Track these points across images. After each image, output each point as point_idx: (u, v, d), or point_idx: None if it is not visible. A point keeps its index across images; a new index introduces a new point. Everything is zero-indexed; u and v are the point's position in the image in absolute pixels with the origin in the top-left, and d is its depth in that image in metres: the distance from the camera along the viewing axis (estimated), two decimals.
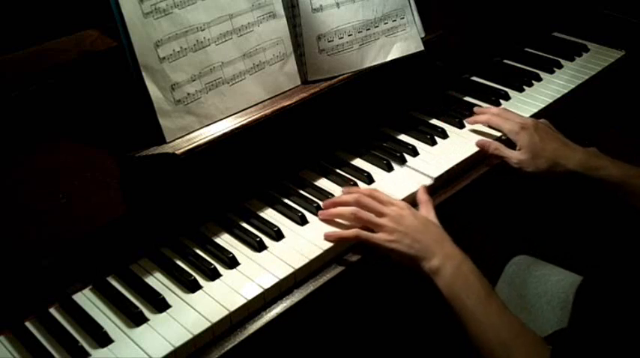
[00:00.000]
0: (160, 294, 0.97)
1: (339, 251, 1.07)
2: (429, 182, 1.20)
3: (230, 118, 1.10)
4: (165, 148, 1.02)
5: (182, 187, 1.07)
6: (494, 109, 1.37)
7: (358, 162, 1.26)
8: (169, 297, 0.97)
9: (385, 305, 1.34)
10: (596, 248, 1.39)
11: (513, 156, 1.24)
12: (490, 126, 1.32)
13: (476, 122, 1.34)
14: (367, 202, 1.09)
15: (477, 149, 1.28)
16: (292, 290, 1.02)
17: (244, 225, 1.11)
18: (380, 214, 1.07)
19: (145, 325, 0.94)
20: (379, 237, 1.06)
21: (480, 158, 1.28)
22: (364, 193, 1.11)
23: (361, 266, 1.08)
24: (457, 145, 1.29)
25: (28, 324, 0.94)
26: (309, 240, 1.07)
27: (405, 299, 1.35)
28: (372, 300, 1.29)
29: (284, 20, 1.16)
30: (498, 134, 1.31)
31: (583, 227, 1.40)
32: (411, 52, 1.30)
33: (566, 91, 1.48)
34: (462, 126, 1.36)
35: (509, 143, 1.28)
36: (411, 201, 1.18)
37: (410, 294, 1.28)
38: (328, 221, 1.11)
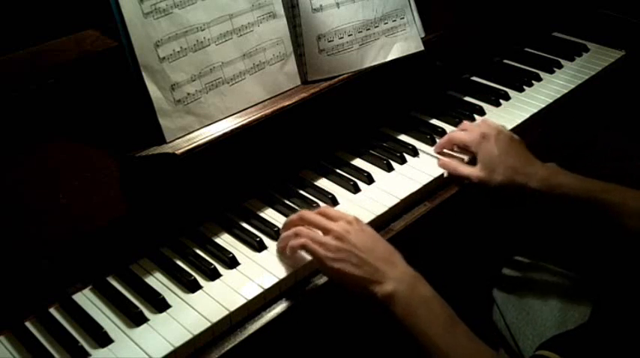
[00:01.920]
0: (159, 294, 0.97)
1: None
2: (428, 181, 1.20)
3: (230, 118, 1.10)
4: (165, 148, 1.02)
5: (182, 187, 1.07)
6: (458, 127, 1.29)
7: (358, 162, 1.26)
8: (169, 297, 0.97)
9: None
10: (596, 248, 1.39)
11: (472, 173, 1.18)
12: (454, 144, 1.25)
13: (442, 147, 1.26)
14: (311, 218, 1.01)
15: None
16: (293, 290, 1.02)
17: (244, 225, 1.11)
18: (325, 231, 0.98)
19: (145, 325, 0.94)
20: (323, 253, 0.95)
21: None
22: (312, 212, 1.03)
23: None
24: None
25: (28, 324, 0.94)
26: None
27: None
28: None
29: (284, 20, 1.16)
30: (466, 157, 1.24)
31: (582, 226, 1.40)
32: (411, 52, 1.30)
33: (566, 91, 1.48)
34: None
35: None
36: (412, 201, 1.18)
37: None
38: None
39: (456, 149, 1.26)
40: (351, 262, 0.94)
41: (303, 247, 0.98)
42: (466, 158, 1.23)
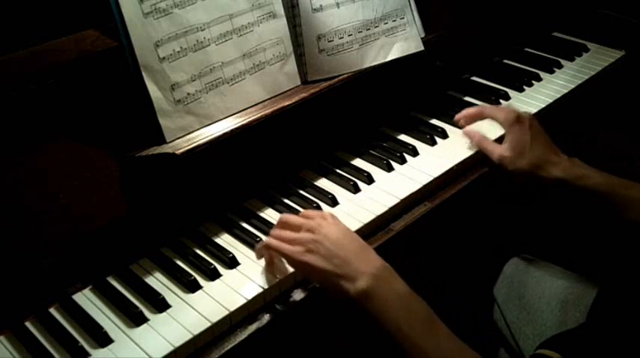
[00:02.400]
0: (159, 294, 0.97)
1: None
2: (428, 181, 1.20)
3: (230, 118, 1.10)
4: (165, 148, 1.02)
5: (182, 187, 1.07)
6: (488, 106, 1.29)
7: (358, 162, 1.26)
8: (169, 297, 0.97)
9: None
10: (597, 248, 1.39)
11: (496, 150, 1.15)
12: (482, 118, 1.23)
13: (467, 115, 1.24)
14: (287, 219, 0.99)
15: (476, 150, 1.28)
16: (293, 289, 1.02)
17: (244, 225, 1.11)
18: (299, 228, 0.95)
19: (145, 325, 0.94)
20: (289, 248, 0.92)
21: (481, 158, 1.28)
22: (291, 215, 1.01)
23: None
24: (457, 145, 1.29)
25: (28, 324, 0.94)
26: None
27: None
28: None
29: (284, 20, 1.16)
30: (496, 135, 1.24)
31: (582, 226, 1.40)
32: (411, 52, 1.30)
33: (566, 91, 1.48)
34: (462, 126, 1.35)
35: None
36: (412, 200, 1.18)
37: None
38: None
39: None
40: (320, 253, 0.90)
41: (267, 246, 0.97)
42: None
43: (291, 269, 0.99)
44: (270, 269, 1.00)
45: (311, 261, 0.90)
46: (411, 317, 0.85)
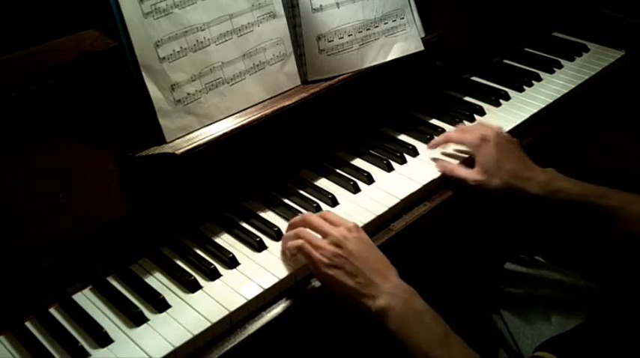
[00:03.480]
0: (159, 294, 0.97)
1: None
2: (428, 181, 1.20)
3: (230, 118, 1.10)
4: (165, 148, 1.02)
5: (182, 187, 1.07)
6: (455, 129, 1.29)
7: (358, 162, 1.26)
8: (169, 297, 0.97)
9: None
10: (596, 248, 1.39)
11: (469, 176, 1.17)
12: (452, 143, 1.25)
13: (436, 144, 1.26)
14: (313, 221, 1.01)
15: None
16: (292, 289, 1.02)
17: (244, 225, 1.11)
18: (324, 235, 0.98)
19: (145, 325, 0.94)
20: (318, 257, 0.95)
21: None
22: (315, 215, 1.03)
23: None
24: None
25: (28, 324, 0.94)
26: None
27: None
28: None
29: (284, 20, 1.16)
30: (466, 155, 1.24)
31: (582, 227, 1.40)
32: (411, 52, 1.30)
33: (566, 91, 1.48)
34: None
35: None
36: (412, 200, 1.18)
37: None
38: None
39: (452, 149, 1.26)
40: (345, 270, 0.93)
41: (300, 249, 0.98)
42: (457, 161, 1.23)
43: (303, 261, 1.00)
44: (289, 259, 1.02)
45: (335, 275, 0.93)
46: (426, 333, 0.88)
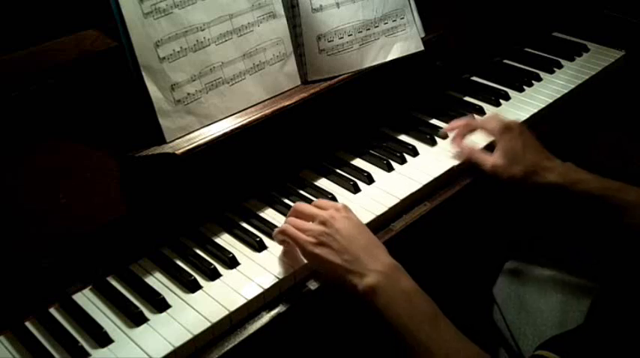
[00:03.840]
0: (159, 294, 0.97)
1: None
2: (428, 181, 1.20)
3: (230, 118, 1.10)
4: (165, 148, 1.02)
5: (182, 187, 1.07)
6: (468, 118, 1.30)
7: (358, 162, 1.26)
8: (169, 297, 0.97)
9: None
10: (596, 248, 1.39)
11: (488, 160, 1.17)
12: (471, 130, 1.26)
13: (455, 127, 1.27)
14: (303, 208, 1.01)
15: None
16: (292, 290, 1.02)
17: (244, 225, 1.11)
18: (312, 218, 0.98)
19: (145, 325, 0.94)
20: (303, 237, 0.94)
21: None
22: (305, 203, 1.04)
23: None
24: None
25: (28, 324, 0.94)
26: None
27: None
28: None
29: (284, 20, 1.16)
30: (485, 143, 1.25)
31: (581, 227, 1.40)
32: (411, 52, 1.30)
33: (566, 91, 1.48)
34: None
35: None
36: (412, 200, 1.18)
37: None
38: None
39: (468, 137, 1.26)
40: (332, 247, 0.92)
41: (284, 232, 0.98)
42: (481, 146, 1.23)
43: (304, 260, 1.00)
44: (289, 259, 1.02)
45: (322, 253, 0.93)
46: (415, 314, 0.87)
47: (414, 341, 0.85)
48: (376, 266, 0.91)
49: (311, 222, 0.97)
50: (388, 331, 0.87)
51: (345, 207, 1.00)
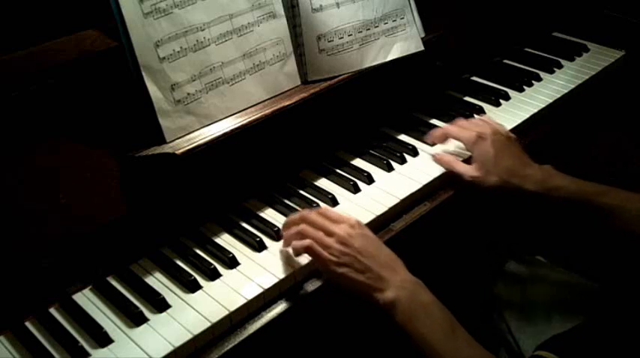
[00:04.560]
0: (159, 294, 0.97)
1: None
2: (428, 181, 1.20)
3: (230, 118, 1.10)
4: (165, 148, 1.02)
5: (182, 187, 1.07)
6: (454, 123, 1.27)
7: (358, 162, 1.26)
8: (169, 297, 0.97)
9: None
10: (597, 248, 1.39)
11: (465, 171, 1.17)
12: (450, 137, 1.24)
13: (434, 137, 1.26)
14: (313, 219, 1.00)
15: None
16: (292, 290, 1.02)
17: (244, 225, 1.11)
18: (328, 233, 0.98)
19: (145, 325, 0.94)
20: (327, 256, 0.96)
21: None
22: (313, 212, 1.03)
23: None
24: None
25: (28, 324, 0.94)
26: None
27: None
28: None
29: (284, 20, 1.16)
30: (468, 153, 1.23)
31: (582, 226, 1.40)
32: (411, 52, 1.30)
33: (566, 91, 1.48)
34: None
35: None
36: (412, 200, 1.18)
37: None
38: None
39: (454, 146, 1.26)
40: (355, 268, 0.95)
41: (308, 249, 0.98)
42: (460, 158, 1.23)
43: (307, 258, 1.00)
44: (289, 259, 1.02)
45: (345, 273, 0.95)
46: (432, 325, 0.90)
47: (432, 351, 0.89)
48: (396, 281, 0.94)
49: (329, 238, 0.97)
50: (407, 340, 0.91)
51: (359, 223, 1.01)
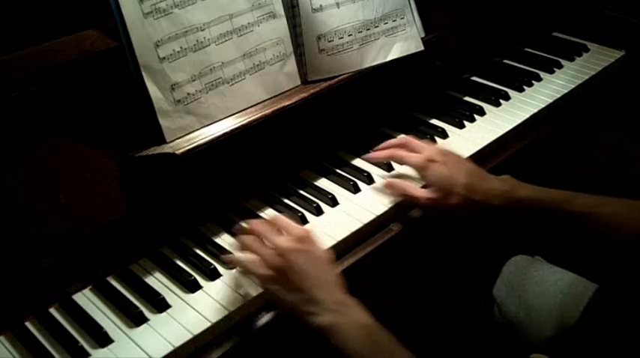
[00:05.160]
0: (159, 294, 0.97)
1: (337, 251, 1.07)
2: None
3: (230, 118, 1.10)
4: (165, 148, 1.02)
5: (182, 187, 1.07)
6: (396, 141, 1.22)
7: (358, 162, 1.26)
8: (169, 297, 0.97)
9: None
10: (596, 248, 1.39)
11: (422, 196, 1.11)
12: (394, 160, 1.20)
13: (376, 158, 1.21)
14: (260, 229, 0.95)
15: (475, 150, 1.28)
16: None
17: (245, 225, 1.11)
18: (271, 244, 0.92)
19: (145, 325, 0.94)
20: (258, 271, 0.90)
21: (477, 160, 1.27)
22: (260, 221, 0.98)
23: (362, 266, 1.08)
24: (457, 145, 1.29)
25: (28, 324, 0.94)
26: None
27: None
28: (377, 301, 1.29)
29: (284, 20, 1.16)
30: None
31: (555, 233, 1.39)
32: (411, 52, 1.30)
33: (566, 91, 1.48)
34: (462, 126, 1.36)
35: None
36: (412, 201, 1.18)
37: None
38: (327, 226, 1.09)
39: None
40: (283, 285, 0.88)
41: (238, 263, 0.95)
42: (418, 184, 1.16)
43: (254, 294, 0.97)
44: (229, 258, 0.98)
45: (275, 290, 0.89)
46: (374, 349, 0.84)
47: None
48: (330, 304, 0.86)
49: (269, 249, 0.92)
50: None
51: (309, 238, 0.93)
